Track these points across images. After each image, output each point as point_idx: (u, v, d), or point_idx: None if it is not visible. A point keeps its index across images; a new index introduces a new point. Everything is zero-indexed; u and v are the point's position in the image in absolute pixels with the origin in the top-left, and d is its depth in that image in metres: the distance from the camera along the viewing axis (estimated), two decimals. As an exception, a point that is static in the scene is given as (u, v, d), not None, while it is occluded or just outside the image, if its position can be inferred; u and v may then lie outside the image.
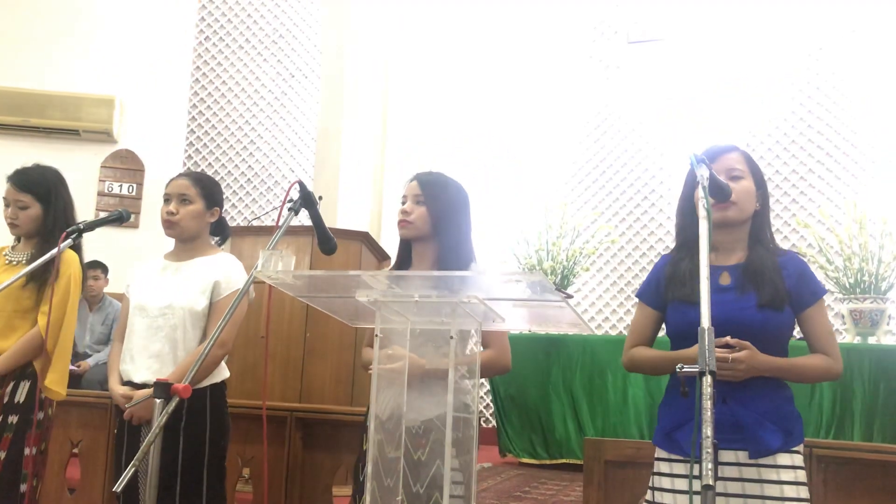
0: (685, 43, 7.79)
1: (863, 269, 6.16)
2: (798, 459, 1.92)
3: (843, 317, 6.33)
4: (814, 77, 7.37)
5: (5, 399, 2.82)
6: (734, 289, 2.01)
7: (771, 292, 1.96)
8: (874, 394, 5.25)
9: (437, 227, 2.38)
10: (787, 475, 1.87)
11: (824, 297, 2.07)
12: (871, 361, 5.25)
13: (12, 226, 2.98)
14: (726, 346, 1.89)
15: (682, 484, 1.95)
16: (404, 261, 2.49)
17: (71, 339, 2.99)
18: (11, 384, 2.84)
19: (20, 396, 2.84)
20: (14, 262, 2.97)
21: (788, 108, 7.44)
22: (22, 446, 2.80)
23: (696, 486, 1.75)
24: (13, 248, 3.05)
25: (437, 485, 1.71)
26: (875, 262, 6.14)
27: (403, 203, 2.42)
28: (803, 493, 1.88)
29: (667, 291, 2.09)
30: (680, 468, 1.97)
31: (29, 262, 2.89)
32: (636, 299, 7.34)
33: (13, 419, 2.81)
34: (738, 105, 7.53)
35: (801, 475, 1.90)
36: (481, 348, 2.09)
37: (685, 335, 1.99)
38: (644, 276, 7.47)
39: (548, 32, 8.20)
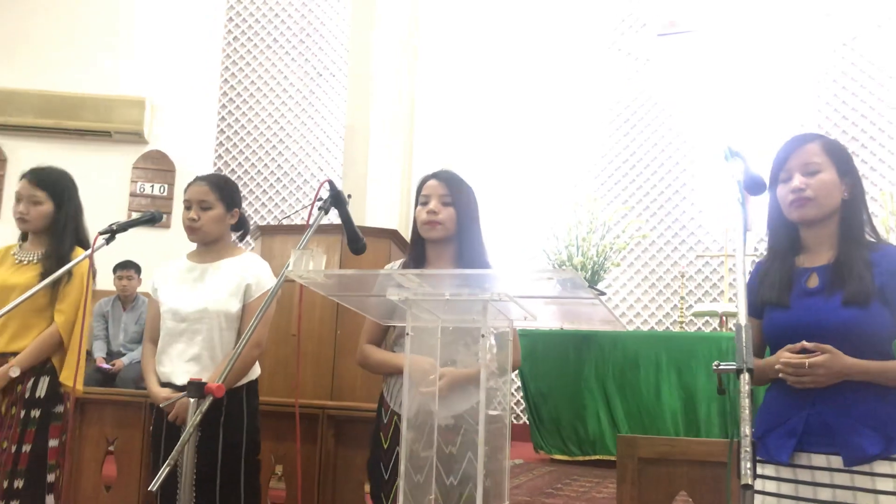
0: (715, 34, 7.69)
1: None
2: None
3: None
4: (848, 66, 7.24)
5: (26, 394, 2.89)
6: (822, 291, 1.91)
7: (855, 288, 1.84)
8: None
9: (461, 227, 2.36)
10: (884, 484, 1.74)
11: None
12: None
13: (21, 220, 3.01)
14: (803, 350, 1.80)
15: (771, 487, 1.89)
16: (419, 260, 2.46)
17: (84, 335, 3.05)
18: (32, 380, 2.91)
19: (41, 391, 2.92)
20: (24, 262, 3.01)
21: (821, 98, 7.31)
22: (46, 438, 2.90)
23: (785, 489, 1.70)
24: (21, 247, 3.09)
25: (470, 478, 1.71)
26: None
27: (425, 202, 2.39)
28: None
29: (758, 297, 2.00)
30: (769, 471, 1.91)
31: (41, 261, 2.97)
32: (669, 296, 7.23)
33: (35, 413, 2.89)
34: (768, 96, 7.42)
35: None
36: (511, 344, 2.08)
37: (776, 339, 1.92)
38: (675, 271, 7.38)
39: (576, 26, 8.14)
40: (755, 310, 2.03)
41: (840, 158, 1.98)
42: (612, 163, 7.99)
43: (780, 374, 1.81)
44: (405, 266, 2.51)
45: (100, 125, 7.29)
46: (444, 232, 2.37)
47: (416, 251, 2.49)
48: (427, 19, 8.33)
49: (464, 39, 8.36)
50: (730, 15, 7.66)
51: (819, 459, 1.81)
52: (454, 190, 2.39)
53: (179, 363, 2.76)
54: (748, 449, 1.32)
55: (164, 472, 1.64)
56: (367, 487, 3.38)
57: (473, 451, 1.70)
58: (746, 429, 1.34)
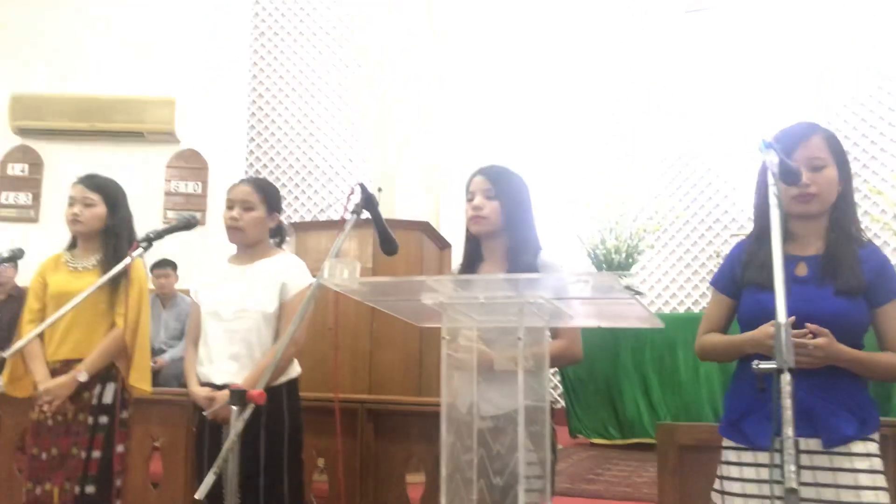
0: (744, 10, 7.56)
1: (942, 234, 5.93)
2: (873, 447, 1.87)
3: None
4: (885, 34, 7.07)
5: (94, 401, 2.94)
6: (811, 280, 1.95)
7: (849, 279, 1.90)
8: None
9: (507, 220, 2.36)
10: (861, 463, 1.82)
11: None
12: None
13: (75, 222, 3.03)
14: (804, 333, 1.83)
15: (750, 473, 1.93)
16: (474, 257, 2.47)
17: (147, 337, 3.11)
18: (98, 386, 2.95)
19: (107, 398, 2.96)
20: (80, 269, 3.05)
21: (855, 69, 7.16)
22: (114, 444, 2.96)
23: (765, 474, 1.72)
24: (72, 254, 3.12)
25: (517, 477, 1.72)
26: (955, 227, 5.90)
27: (470, 199, 2.40)
28: (879, 481, 1.83)
29: (743, 276, 2.03)
30: (748, 457, 1.94)
31: (98, 266, 3.01)
32: (706, 277, 7.21)
33: (103, 420, 2.94)
34: (802, 70, 7.28)
35: (877, 463, 1.85)
36: (549, 340, 2.08)
37: (757, 321, 1.94)
38: (710, 251, 7.34)
39: (603, 5, 8.05)
40: (730, 289, 2.08)
41: (839, 153, 2.01)
42: (643, 143, 7.91)
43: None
44: (462, 265, 2.52)
45: (132, 126, 7.39)
46: (489, 226, 2.37)
47: (470, 248, 2.50)
48: (455, 8, 8.29)
49: (491, 25, 8.31)
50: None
51: (799, 443, 1.83)
52: (497, 183, 2.39)
53: (219, 362, 2.80)
54: (791, 451, 1.32)
55: (210, 480, 1.67)
56: (408, 478, 3.43)
57: (516, 448, 1.71)
58: (789, 430, 1.33)
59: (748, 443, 1.94)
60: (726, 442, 2.02)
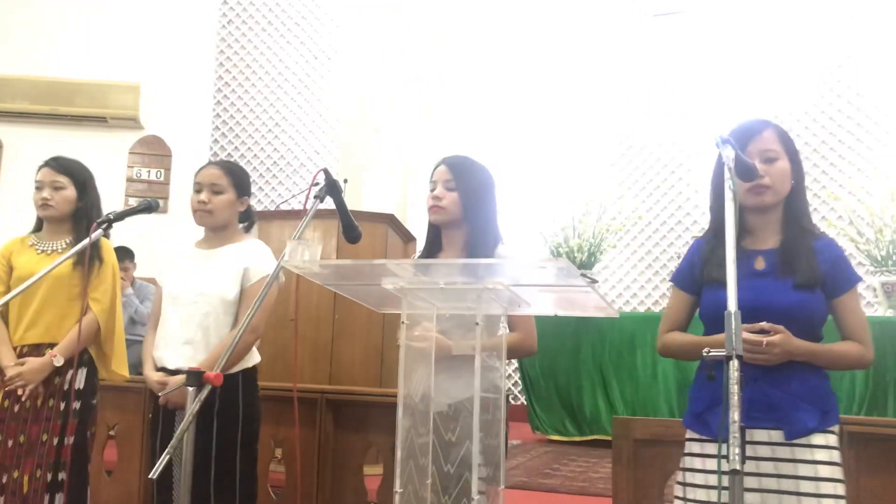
0: (711, 14, 7.67)
1: (895, 240, 6.08)
2: (833, 440, 1.90)
3: (874, 290, 6.26)
4: (845, 45, 7.23)
5: (65, 386, 2.89)
6: (769, 273, 1.98)
7: (806, 273, 1.93)
8: (907, 368, 5.20)
9: (467, 211, 2.38)
10: (821, 455, 1.86)
11: (858, 284, 2.03)
12: (903, 335, 5.19)
13: (45, 206, 2.99)
14: (761, 331, 1.86)
15: (713, 464, 1.94)
16: (434, 246, 2.50)
17: (122, 322, 3.08)
18: (70, 372, 2.90)
19: (80, 383, 2.92)
20: (49, 252, 3.00)
21: (818, 77, 7.31)
22: (86, 430, 2.93)
23: (725, 468, 1.75)
24: (38, 237, 3.06)
25: (468, 465, 1.74)
26: (908, 234, 6.06)
27: (433, 189, 2.42)
28: (838, 473, 1.86)
29: (702, 273, 2.06)
30: (711, 449, 1.96)
31: (68, 249, 2.95)
32: (666, 277, 7.30)
33: (76, 405, 2.90)
34: (765, 76, 7.41)
35: (836, 455, 1.89)
36: (507, 331, 2.10)
37: (720, 318, 1.96)
38: (671, 252, 7.45)
39: (571, 7, 8.11)
40: (690, 286, 2.11)
41: (791, 148, 2.06)
42: (608, 144, 8.00)
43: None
44: (421, 254, 2.55)
45: (95, 111, 7.27)
46: (447, 216, 2.40)
47: (431, 237, 2.52)
48: (426, 1, 8.29)
49: (463, 22, 8.33)
50: (726, -6, 7.63)
51: (760, 434, 1.88)
52: (459, 174, 2.41)
53: (173, 347, 2.76)
54: (736, 434, 1.35)
55: (163, 460, 1.66)
56: (366, 470, 3.44)
57: (471, 437, 1.73)
58: (735, 415, 1.36)
59: (711, 434, 1.96)
60: (690, 434, 2.04)
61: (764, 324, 1.86)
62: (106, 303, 2.96)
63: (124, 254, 6.12)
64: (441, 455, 1.79)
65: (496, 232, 2.44)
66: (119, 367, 3.03)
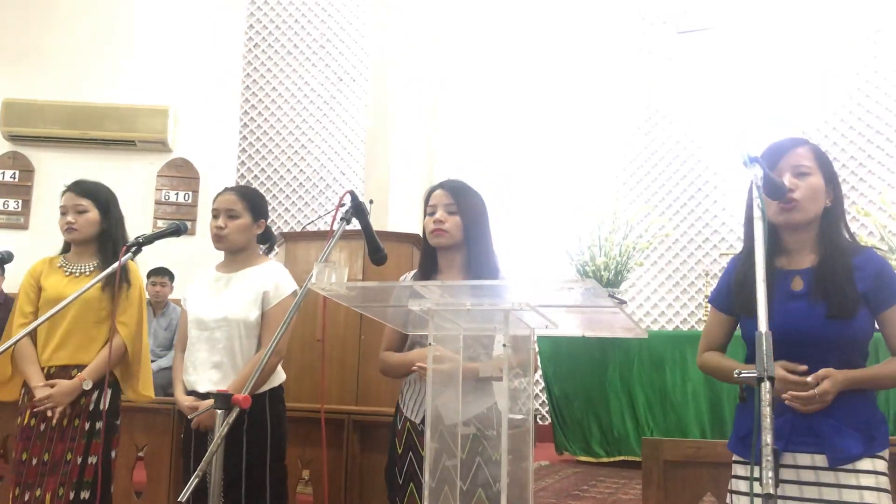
0: (736, 31, 7.63)
1: (928, 256, 5.98)
2: (881, 465, 1.84)
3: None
4: (871, 59, 7.15)
5: (91, 406, 2.93)
6: (806, 295, 1.93)
7: (839, 301, 1.87)
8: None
9: (468, 233, 2.42)
10: (867, 480, 1.80)
11: None
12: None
13: (70, 230, 3.03)
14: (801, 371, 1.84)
15: (757, 487, 1.92)
16: (430, 268, 2.51)
17: (147, 345, 3.12)
18: (95, 392, 2.95)
19: (104, 404, 2.95)
20: (77, 274, 3.04)
21: (845, 92, 7.23)
22: (110, 450, 2.97)
23: (758, 492, 1.72)
24: (66, 258, 3.11)
25: (493, 485, 1.72)
26: (941, 250, 5.96)
27: (432, 212, 2.44)
28: (885, 500, 1.81)
29: (736, 303, 2.02)
30: (755, 472, 1.93)
31: (96, 271, 3.00)
32: (694, 295, 7.20)
33: (100, 425, 2.94)
34: (791, 92, 7.35)
35: (884, 482, 1.83)
36: (537, 349, 2.10)
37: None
38: (699, 270, 7.36)
39: (595, 25, 8.11)
40: (727, 306, 2.07)
41: (826, 166, 2.01)
42: (633, 161, 7.96)
43: (788, 403, 1.83)
44: (417, 275, 2.57)
45: (124, 134, 7.40)
46: (450, 239, 2.43)
47: (427, 260, 2.54)
48: (447, 22, 8.34)
49: (485, 42, 8.36)
50: (750, 10, 7.60)
51: (804, 459, 1.85)
52: (459, 198, 2.45)
53: (202, 371, 2.83)
54: (769, 458, 1.33)
55: (193, 482, 1.67)
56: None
57: (497, 457, 1.72)
58: (768, 438, 1.34)
59: (756, 458, 1.93)
60: (735, 457, 2.02)
61: (809, 379, 1.81)
62: (133, 326, 3.00)
63: (164, 272, 6.20)
64: (468, 477, 1.78)
65: (494, 255, 2.49)
66: (145, 389, 3.07)
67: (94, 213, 3.05)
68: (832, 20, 7.28)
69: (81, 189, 3.06)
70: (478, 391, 1.85)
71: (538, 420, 7.21)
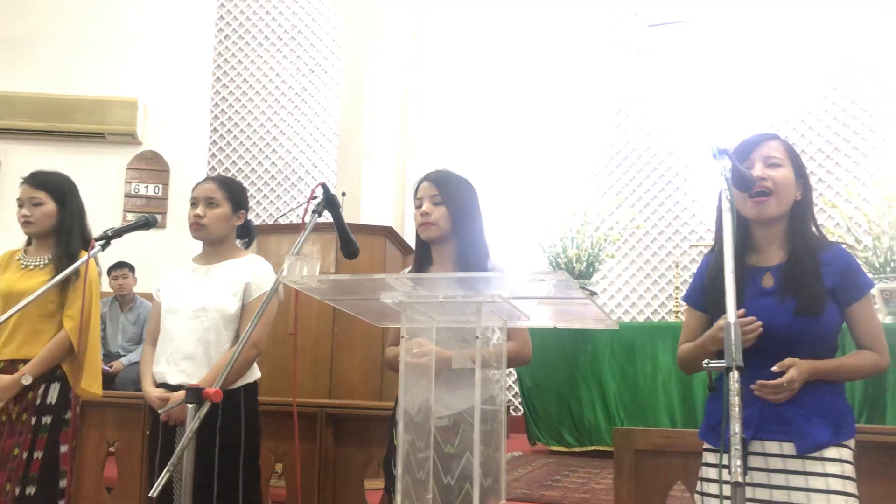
0: (706, 24, 7.70)
1: (893, 247, 6.08)
2: (846, 454, 1.88)
3: (873, 296, 6.25)
4: (839, 53, 7.26)
5: (37, 401, 2.90)
6: (776, 292, 1.96)
7: (807, 299, 1.91)
8: (906, 375, 5.19)
9: (456, 224, 2.40)
10: (833, 468, 1.84)
11: (871, 291, 2.01)
12: (903, 342, 5.18)
13: (26, 224, 2.99)
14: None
15: (725, 475, 1.95)
16: (424, 261, 2.51)
17: (98, 339, 3.07)
18: (42, 387, 2.91)
19: (51, 398, 2.92)
20: (31, 267, 3.00)
21: (813, 85, 7.33)
22: (58, 445, 2.91)
23: (727, 479, 1.74)
24: (25, 251, 3.07)
25: (468, 477, 1.73)
26: (905, 241, 6.06)
27: (419, 205, 2.43)
28: (850, 487, 1.84)
29: (709, 300, 2.04)
30: (724, 459, 1.97)
31: (50, 264, 2.96)
32: (665, 286, 7.25)
33: (47, 420, 2.90)
34: (761, 84, 7.44)
35: (849, 469, 1.87)
36: (505, 340, 2.11)
37: None
38: (669, 261, 7.43)
39: (566, 18, 8.14)
40: (703, 304, 2.09)
41: (796, 160, 2.05)
42: (604, 154, 8.01)
43: (757, 393, 1.87)
44: (412, 269, 2.56)
45: (93, 127, 7.29)
46: (438, 231, 2.41)
47: (421, 253, 2.53)
48: (420, 15, 8.33)
49: (457, 34, 8.37)
50: (720, 5, 7.67)
51: (772, 447, 1.88)
52: (444, 189, 2.42)
53: (174, 362, 2.76)
54: (738, 447, 1.35)
55: (163, 478, 1.65)
56: (367, 483, 3.43)
57: (471, 449, 1.72)
58: (736, 426, 1.36)
59: (725, 446, 1.96)
60: (706, 445, 2.05)
61: (774, 369, 1.85)
62: (79, 319, 2.93)
63: (124, 264, 6.13)
64: (441, 468, 1.79)
65: (486, 245, 2.46)
66: (90, 385, 2.98)
67: (50, 206, 3.00)
68: (800, 15, 7.37)
69: (37, 181, 3.01)
70: (456, 383, 1.85)
71: (511, 411, 7.24)
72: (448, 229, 2.41)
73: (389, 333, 2.57)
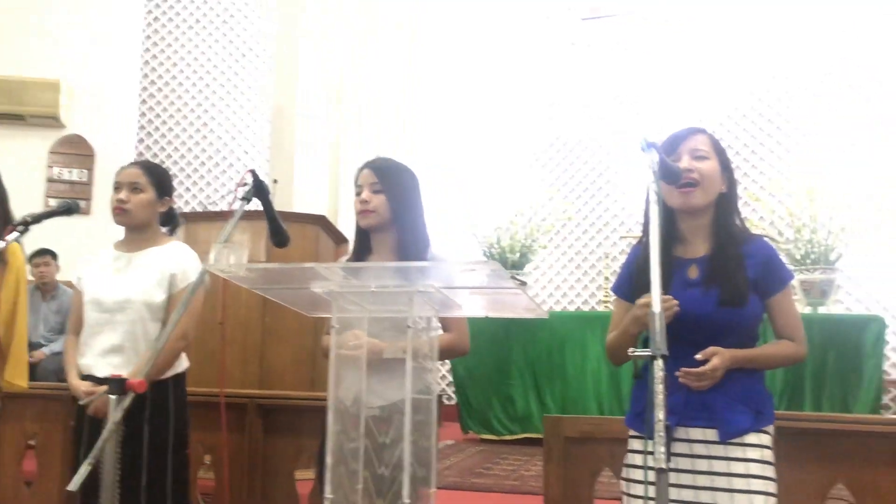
0: (638, 19, 7.83)
1: (813, 240, 6.30)
2: (766, 439, 1.95)
3: (794, 287, 6.47)
4: (764, 50, 7.47)
5: None
6: (700, 283, 2.00)
7: (730, 290, 1.96)
8: (823, 364, 5.39)
9: (396, 213, 2.37)
10: (753, 453, 1.90)
11: (791, 282, 2.08)
12: (820, 332, 5.39)
13: None
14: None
15: (650, 461, 1.99)
16: (363, 249, 2.48)
17: (25, 330, 2.95)
18: None
19: None
20: None
21: (739, 82, 7.54)
22: None
23: (652, 466, 1.78)
24: None
25: (402, 467, 1.73)
26: (824, 233, 6.29)
27: (359, 193, 2.41)
28: (769, 471, 1.91)
29: (636, 290, 2.05)
30: (650, 446, 2.01)
31: None
32: (595, 277, 7.36)
33: None
34: (689, 80, 7.61)
35: (768, 454, 1.93)
36: (440, 331, 2.11)
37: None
38: (599, 252, 7.55)
39: (502, 10, 8.18)
40: (630, 294, 2.11)
41: (722, 153, 2.10)
42: (539, 146, 8.09)
43: (681, 381, 1.91)
44: (350, 258, 2.52)
45: (12, 108, 7.00)
46: (377, 219, 2.38)
47: (359, 241, 2.50)
48: (355, 1, 8.24)
49: (392, 23, 8.31)
50: (652, 2, 7.80)
51: (696, 433, 1.93)
52: (384, 177, 2.40)
53: (101, 354, 2.70)
54: (662, 434, 1.38)
55: (83, 471, 1.61)
56: (298, 474, 3.40)
57: (400, 438, 1.72)
58: (661, 414, 1.39)
59: (650, 433, 2.00)
60: (632, 432, 2.09)
61: (698, 356, 1.90)
62: (6, 310, 2.81)
63: (46, 251, 5.92)
64: (375, 458, 1.78)
65: (426, 234, 2.44)
66: (14, 377, 2.85)
67: None
68: (726, 14, 7.56)
69: None
70: (391, 374, 1.84)
71: (444, 400, 7.28)
72: (388, 218, 2.38)
73: (327, 322, 2.55)
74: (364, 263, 2.34)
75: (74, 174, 7.15)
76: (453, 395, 6.91)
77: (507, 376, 6.13)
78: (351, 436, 1.78)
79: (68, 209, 2.70)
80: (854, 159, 6.93)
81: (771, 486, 1.90)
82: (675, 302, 1.86)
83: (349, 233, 5.24)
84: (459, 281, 1.71)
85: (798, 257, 6.32)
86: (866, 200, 6.74)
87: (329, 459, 1.73)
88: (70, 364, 2.76)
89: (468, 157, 8.04)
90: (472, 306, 1.89)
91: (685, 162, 2.00)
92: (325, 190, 7.46)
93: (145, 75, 8.14)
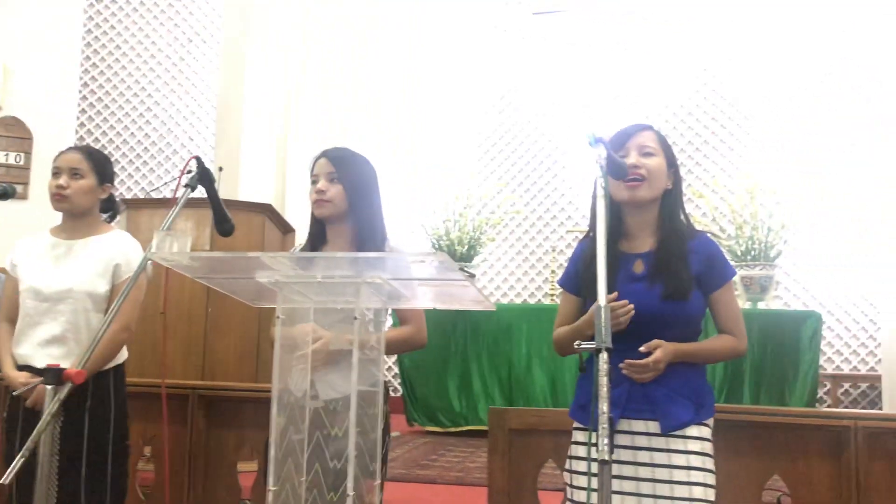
0: (588, 15, 7.89)
1: (753, 236, 6.46)
2: (706, 432, 1.99)
3: (735, 283, 6.62)
4: (709, 49, 7.60)
5: None
6: (645, 278, 2.04)
7: (674, 284, 2.00)
8: (762, 358, 5.53)
9: (352, 204, 2.34)
10: (694, 445, 1.94)
11: (733, 279, 2.13)
12: (759, 326, 5.52)
13: None
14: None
15: (593, 453, 2.02)
16: (318, 240, 2.44)
17: None
18: None
19: None
20: None
21: (685, 80, 7.66)
22: None
23: (595, 457, 1.80)
24: None
25: (341, 458, 1.72)
26: (765, 231, 6.44)
27: (315, 182, 2.37)
28: (709, 463, 1.95)
29: (583, 284, 2.10)
30: (592, 438, 2.03)
31: None
32: (542, 270, 7.42)
33: None
34: (636, 76, 7.71)
35: (708, 447, 1.98)
36: (389, 324, 2.10)
37: None
38: (546, 246, 7.62)
39: (453, 2, 8.16)
40: (577, 288, 2.17)
41: (668, 150, 2.15)
42: (488, 139, 8.12)
43: (625, 372, 1.95)
44: (304, 248, 2.48)
45: (-56, 89, 6.76)
46: (333, 209, 2.35)
47: (315, 232, 2.45)
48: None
49: (342, 9, 8.23)
50: (601, -3, 7.88)
51: (638, 425, 1.98)
52: (341, 167, 2.36)
53: (40, 345, 2.63)
54: (605, 426, 1.39)
55: (17, 464, 1.56)
56: (240, 467, 3.36)
57: (345, 430, 1.71)
58: (604, 406, 1.41)
59: (594, 425, 2.02)
60: (576, 424, 2.11)
61: (641, 348, 1.93)
62: None
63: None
64: (326, 450, 1.77)
65: (383, 226, 2.42)
66: None
67: None
68: (673, 11, 7.67)
69: None
70: (346, 365, 1.82)
71: (391, 392, 7.26)
72: (344, 208, 2.35)
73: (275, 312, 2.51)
74: (313, 253, 2.31)
75: (11, 157, 6.94)
76: (399, 387, 6.90)
77: (453, 368, 6.14)
78: (297, 428, 1.76)
79: (4, 193, 2.62)
80: (792, 158, 7.12)
81: (710, 478, 1.94)
82: (631, 307, 1.88)
83: (296, 222, 5.20)
84: (408, 272, 1.70)
85: (739, 253, 6.46)
86: (805, 199, 6.93)
87: (272, 452, 1.71)
88: (4, 353, 2.68)
89: (419, 150, 8.02)
90: (421, 298, 1.89)
91: (633, 158, 2.03)
92: (271, 178, 7.35)
93: (87, 58, 7.91)
